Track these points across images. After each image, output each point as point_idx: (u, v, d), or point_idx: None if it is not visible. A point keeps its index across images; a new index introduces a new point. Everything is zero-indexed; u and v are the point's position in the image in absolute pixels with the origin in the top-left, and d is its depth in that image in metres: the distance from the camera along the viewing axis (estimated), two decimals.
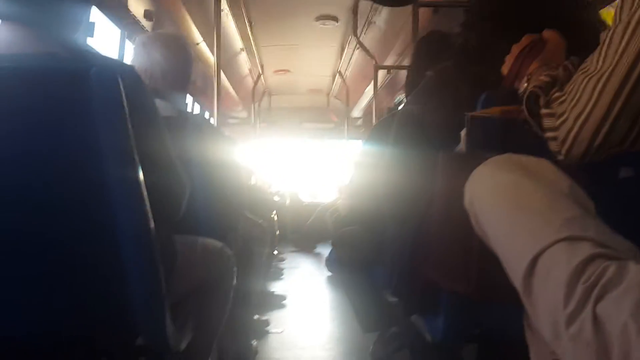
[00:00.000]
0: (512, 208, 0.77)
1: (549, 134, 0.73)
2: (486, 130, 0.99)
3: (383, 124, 1.98)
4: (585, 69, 0.69)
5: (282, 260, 5.01)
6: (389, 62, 4.91)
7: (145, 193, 0.94)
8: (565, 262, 0.63)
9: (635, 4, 0.61)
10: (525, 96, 0.82)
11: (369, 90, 5.45)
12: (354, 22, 4.13)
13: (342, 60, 5.45)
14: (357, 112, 7.53)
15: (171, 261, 1.15)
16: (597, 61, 0.66)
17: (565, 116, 0.69)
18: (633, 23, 0.61)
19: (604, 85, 0.64)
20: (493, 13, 1.23)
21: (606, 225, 0.70)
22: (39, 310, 0.96)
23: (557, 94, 0.74)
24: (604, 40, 0.65)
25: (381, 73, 4.84)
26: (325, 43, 5.03)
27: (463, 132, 1.03)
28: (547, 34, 1.00)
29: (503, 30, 1.18)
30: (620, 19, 0.63)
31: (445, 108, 1.24)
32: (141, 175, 0.93)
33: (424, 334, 1.27)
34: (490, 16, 1.23)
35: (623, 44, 0.62)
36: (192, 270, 1.27)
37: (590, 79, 0.66)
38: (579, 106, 0.67)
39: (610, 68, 0.63)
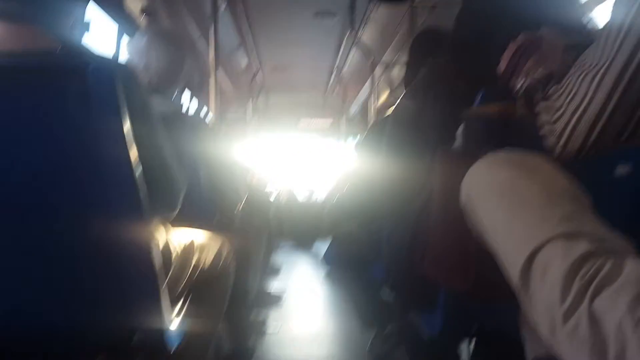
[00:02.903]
0: (508, 205, 0.77)
1: (546, 128, 0.73)
2: (482, 127, 0.99)
3: (379, 122, 1.98)
4: (582, 65, 0.69)
5: (279, 257, 5.02)
6: (386, 58, 4.91)
7: (142, 190, 0.93)
8: (562, 259, 0.63)
9: (631, 1, 0.61)
10: (522, 90, 0.82)
11: (366, 86, 5.45)
12: (352, 18, 4.12)
13: (340, 57, 5.45)
14: (354, 108, 7.52)
15: (168, 258, 1.15)
16: (594, 57, 0.66)
17: (562, 110, 0.69)
18: (628, 20, 0.61)
19: (600, 81, 0.64)
20: (486, 10, 1.24)
21: (603, 221, 0.70)
22: (35, 307, 0.96)
23: (553, 89, 0.74)
24: (601, 36, 0.65)
25: (378, 70, 4.84)
26: (322, 39, 5.02)
27: (460, 129, 1.03)
28: (544, 31, 1.00)
29: (496, 27, 1.19)
30: (616, 16, 0.63)
31: (440, 104, 1.24)
32: (138, 172, 0.93)
33: (421, 330, 1.28)
34: (483, 13, 1.24)
35: (619, 40, 0.62)
36: (190, 268, 1.27)
37: (587, 74, 0.66)
38: (575, 100, 0.67)
39: (607, 64, 0.63)
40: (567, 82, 0.70)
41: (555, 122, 0.70)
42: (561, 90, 0.71)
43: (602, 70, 0.64)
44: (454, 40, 1.32)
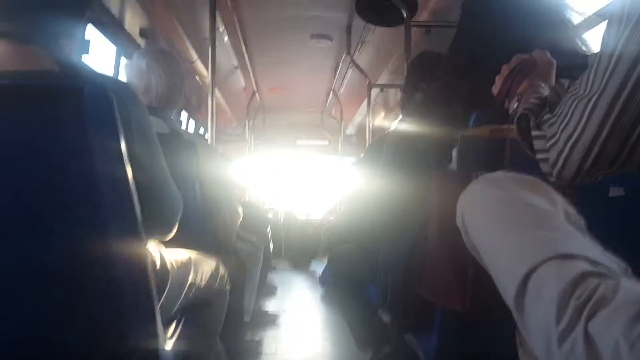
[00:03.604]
0: (502, 225, 0.77)
1: (540, 156, 0.74)
2: (476, 148, 1.00)
3: (377, 143, 1.99)
4: (575, 92, 0.70)
5: (276, 277, 4.99)
6: (382, 80, 4.95)
7: (138, 211, 0.93)
8: (557, 280, 0.63)
9: (621, 29, 0.62)
10: (515, 118, 0.83)
11: (363, 107, 5.49)
12: (348, 41, 4.17)
13: (336, 78, 5.49)
14: (350, 129, 7.56)
15: (164, 279, 1.14)
16: (586, 84, 0.67)
17: (555, 138, 0.70)
18: (619, 48, 0.62)
19: (593, 109, 0.65)
20: (479, 34, 1.26)
21: (598, 242, 0.71)
22: (28, 326, 0.95)
23: (547, 116, 0.75)
24: (592, 64, 0.66)
25: (374, 91, 4.88)
26: (319, 61, 5.07)
27: (454, 151, 1.04)
28: (537, 54, 1.02)
29: (490, 50, 1.21)
30: (607, 43, 0.64)
31: (437, 127, 1.25)
32: (135, 194, 0.93)
33: (418, 352, 1.27)
34: (476, 37, 1.26)
35: (610, 68, 0.63)
36: (185, 288, 1.27)
37: (579, 102, 0.67)
38: (568, 129, 0.68)
39: (598, 92, 0.64)
40: (560, 110, 0.71)
41: (549, 149, 0.71)
42: (554, 119, 0.72)
43: (594, 99, 0.65)
44: (450, 62, 1.34)
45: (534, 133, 0.76)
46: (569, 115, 0.68)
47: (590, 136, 0.65)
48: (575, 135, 0.66)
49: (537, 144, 0.74)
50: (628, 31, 0.61)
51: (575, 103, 0.67)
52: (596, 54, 0.66)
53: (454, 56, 1.34)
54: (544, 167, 0.72)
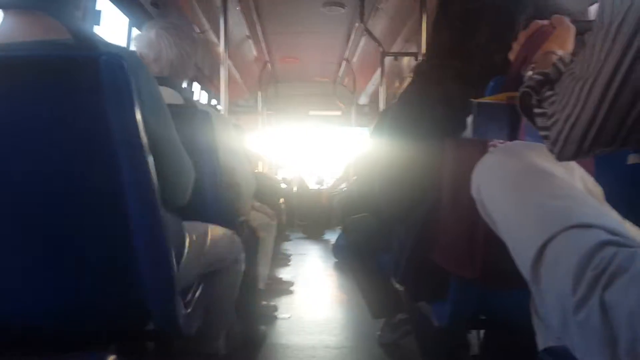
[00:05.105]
0: (520, 196, 0.77)
1: (542, 133, 0.74)
2: (492, 116, 0.98)
3: (389, 111, 1.97)
4: (572, 72, 0.69)
5: (290, 246, 5.04)
6: (395, 48, 4.88)
7: (155, 179, 0.94)
8: (574, 249, 0.63)
9: (615, 11, 0.61)
10: (519, 95, 0.82)
11: (376, 77, 5.43)
12: (361, 9, 4.10)
13: (349, 47, 5.43)
14: (363, 99, 7.50)
15: (181, 247, 1.16)
16: (582, 64, 0.66)
17: (556, 117, 0.70)
18: (613, 29, 0.61)
19: (590, 90, 0.64)
20: (461, 13, 1.24)
21: (615, 211, 0.70)
22: (51, 296, 0.98)
23: (548, 93, 0.74)
24: (588, 44, 0.65)
25: (388, 60, 4.82)
26: (331, 30, 5.00)
27: (469, 119, 1.03)
28: (556, 19, 0.99)
29: (471, 29, 1.19)
30: (602, 22, 0.63)
31: (447, 85, 1.24)
32: (151, 162, 0.94)
33: (431, 319, 1.28)
34: (458, 15, 1.25)
35: (605, 49, 0.62)
36: (201, 257, 1.29)
37: (577, 82, 0.66)
38: (567, 108, 0.68)
39: (595, 72, 0.63)
40: (560, 88, 0.71)
41: (550, 127, 0.71)
42: (554, 97, 0.72)
43: (590, 80, 0.64)
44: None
45: (536, 111, 0.75)
46: (567, 95, 0.68)
47: (588, 117, 0.64)
48: (574, 115, 0.66)
49: (540, 122, 0.74)
50: (624, 12, 0.60)
51: (573, 83, 0.67)
52: (591, 33, 0.65)
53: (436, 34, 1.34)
54: (547, 145, 0.72)
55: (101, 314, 1.01)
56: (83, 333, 1.02)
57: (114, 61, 0.88)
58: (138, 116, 0.91)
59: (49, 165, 0.93)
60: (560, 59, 0.80)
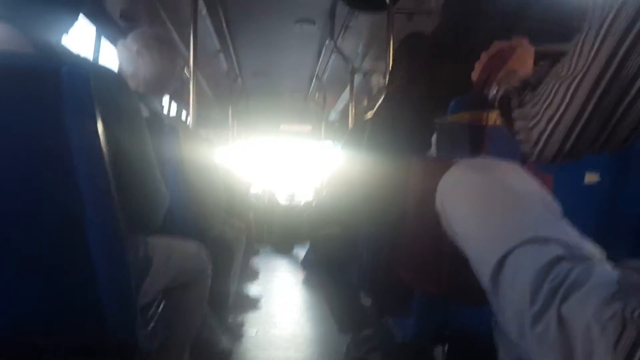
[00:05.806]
0: (480, 209, 0.78)
1: (522, 135, 0.75)
2: (455, 135, 1.00)
3: (358, 128, 1.99)
4: (557, 73, 0.70)
5: (258, 261, 4.99)
6: (365, 66, 4.94)
7: (114, 195, 0.92)
8: (532, 263, 0.64)
9: (606, 11, 0.63)
10: (497, 98, 0.83)
11: (346, 93, 5.47)
12: (331, 27, 4.14)
13: (320, 63, 5.46)
14: (333, 115, 7.55)
15: (143, 262, 1.14)
16: (570, 65, 0.67)
17: (537, 118, 0.71)
18: (603, 30, 0.63)
19: (576, 89, 0.65)
20: (466, 8, 1.26)
21: (573, 227, 0.72)
22: (7, 311, 0.95)
23: (529, 96, 0.76)
24: (577, 45, 0.67)
25: (357, 77, 4.86)
26: (303, 46, 5.03)
27: (434, 138, 1.05)
28: (516, 40, 1.02)
29: (475, 26, 1.21)
30: (591, 25, 0.65)
31: (415, 110, 1.25)
32: (111, 176, 0.92)
33: (395, 334, 1.29)
34: (453, 27, 1.27)
35: (594, 49, 0.64)
36: (168, 271, 1.27)
37: (562, 82, 0.67)
38: (551, 108, 0.68)
39: (582, 72, 0.65)
40: (544, 89, 0.72)
41: (531, 129, 0.72)
42: (537, 98, 0.73)
43: (577, 79, 0.65)
44: (432, 44, 1.34)
45: (516, 113, 0.76)
46: (552, 95, 0.69)
47: (573, 117, 0.66)
48: (558, 115, 0.67)
49: (518, 125, 0.75)
50: (614, 13, 0.62)
51: (558, 84, 0.68)
52: (580, 35, 0.67)
53: (437, 37, 1.34)
54: (524, 148, 0.73)
55: (59, 329, 0.98)
56: (41, 349, 0.99)
57: (75, 72, 0.86)
58: (100, 129, 0.89)
59: (8, 179, 0.90)
60: (541, 66, 0.82)
